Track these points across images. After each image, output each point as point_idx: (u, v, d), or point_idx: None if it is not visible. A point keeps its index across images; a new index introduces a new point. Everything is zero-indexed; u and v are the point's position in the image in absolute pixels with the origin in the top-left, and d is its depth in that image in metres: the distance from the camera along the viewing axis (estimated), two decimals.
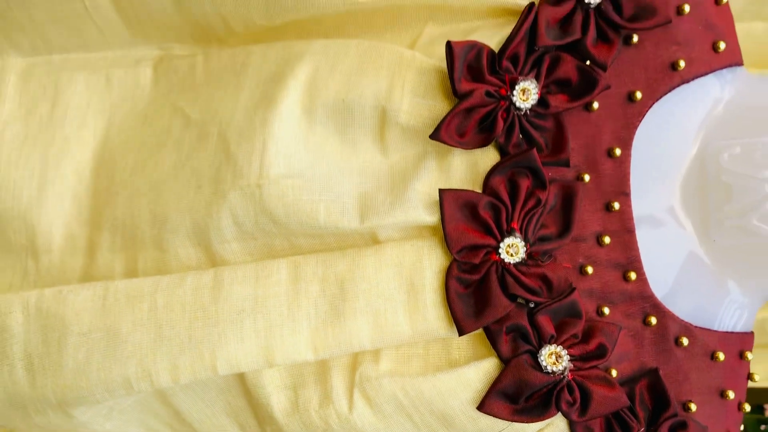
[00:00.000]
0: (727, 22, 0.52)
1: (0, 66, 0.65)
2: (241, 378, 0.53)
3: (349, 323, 0.49)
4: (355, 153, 0.52)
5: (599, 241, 0.50)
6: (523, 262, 0.48)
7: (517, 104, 0.48)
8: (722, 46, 0.51)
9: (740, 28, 0.57)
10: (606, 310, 0.50)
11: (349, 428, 0.50)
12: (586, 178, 0.50)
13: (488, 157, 0.49)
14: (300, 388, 0.52)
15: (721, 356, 0.52)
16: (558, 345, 0.48)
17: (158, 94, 0.62)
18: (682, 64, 0.50)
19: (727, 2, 0.52)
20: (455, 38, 0.50)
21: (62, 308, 0.52)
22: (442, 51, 0.49)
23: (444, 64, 0.49)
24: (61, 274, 0.60)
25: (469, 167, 0.50)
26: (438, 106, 0.49)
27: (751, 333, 0.54)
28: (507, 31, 0.49)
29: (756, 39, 0.80)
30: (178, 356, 0.49)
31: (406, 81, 0.50)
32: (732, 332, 0.53)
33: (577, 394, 0.48)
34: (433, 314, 0.49)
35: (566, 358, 0.48)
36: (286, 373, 0.52)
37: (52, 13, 0.62)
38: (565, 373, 0.48)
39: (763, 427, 1.03)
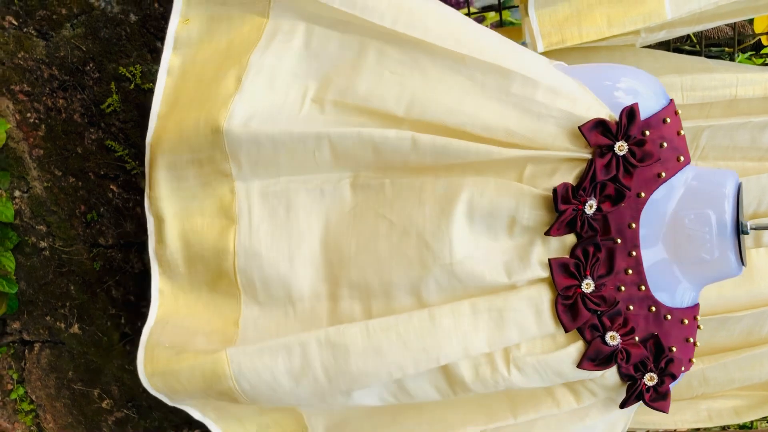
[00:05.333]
0: (683, 143, 0.94)
1: (247, 188, 1.01)
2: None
3: (506, 331, 0.92)
4: (497, 240, 0.93)
5: (626, 272, 0.93)
6: (592, 291, 0.92)
7: (586, 212, 0.90)
8: (681, 158, 0.92)
9: None
10: (631, 307, 0.94)
11: (508, 383, 0.94)
12: (618, 241, 0.92)
13: (570, 238, 0.92)
14: (479, 366, 0.94)
15: (686, 321, 0.97)
16: (613, 331, 0.92)
17: (358, 201, 0.99)
18: (663, 174, 0.91)
19: (683, 134, 0.93)
20: (545, 176, 0.91)
21: (342, 338, 0.92)
22: (543, 183, 0.90)
23: (544, 192, 0.90)
24: (313, 314, 1.00)
25: (561, 244, 0.92)
26: (545, 215, 0.91)
27: (698, 304, 1.00)
28: (577, 170, 0.90)
29: None
30: (417, 356, 0.91)
31: (526, 202, 0.91)
32: (689, 306, 0.99)
33: (624, 354, 0.93)
34: (549, 322, 0.92)
35: (618, 337, 0.92)
36: (470, 360, 0.94)
37: (291, 159, 0.98)
38: (618, 345, 0.92)
39: None
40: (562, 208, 0.89)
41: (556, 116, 0.90)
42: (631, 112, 0.89)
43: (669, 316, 0.96)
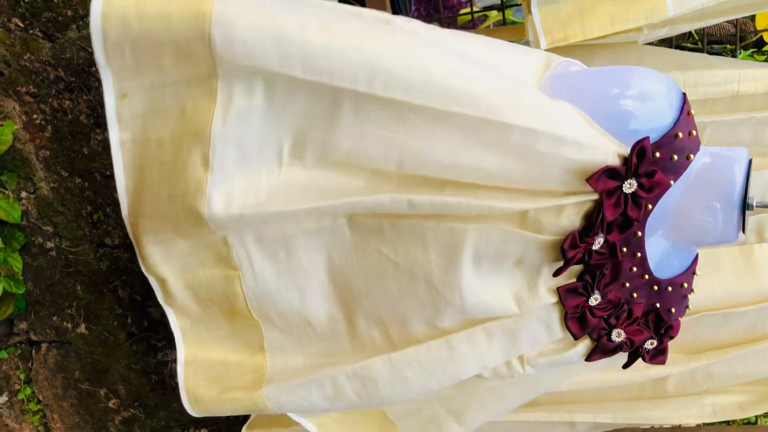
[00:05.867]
0: (695, 141, 0.91)
1: (241, 238, 0.97)
2: None
3: (519, 345, 0.98)
4: (504, 273, 0.96)
5: (630, 270, 0.96)
6: (599, 303, 0.96)
7: (594, 248, 0.91)
8: (692, 156, 0.90)
9: None
10: (635, 295, 0.98)
11: (523, 376, 1.01)
12: (624, 250, 0.94)
13: (578, 267, 0.95)
14: (496, 368, 1.01)
15: (685, 285, 1.02)
16: (618, 328, 0.96)
17: (357, 237, 0.97)
18: (672, 182, 0.89)
19: (697, 134, 0.91)
20: (550, 216, 0.88)
21: (369, 372, 0.99)
22: (549, 225, 0.89)
23: (552, 237, 0.90)
24: (333, 333, 1.04)
25: (570, 272, 0.95)
26: (551, 253, 0.93)
27: (696, 256, 1.03)
28: (584, 210, 0.89)
29: None
30: (440, 378, 0.98)
31: (532, 246, 0.92)
32: (688, 268, 1.02)
33: (629, 343, 0.98)
34: (558, 332, 0.98)
35: (623, 334, 0.97)
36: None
37: (282, 222, 0.94)
38: (623, 340, 0.97)
39: None
40: (570, 255, 0.90)
41: (561, 165, 0.85)
42: (641, 151, 0.85)
43: (670, 288, 1.01)
